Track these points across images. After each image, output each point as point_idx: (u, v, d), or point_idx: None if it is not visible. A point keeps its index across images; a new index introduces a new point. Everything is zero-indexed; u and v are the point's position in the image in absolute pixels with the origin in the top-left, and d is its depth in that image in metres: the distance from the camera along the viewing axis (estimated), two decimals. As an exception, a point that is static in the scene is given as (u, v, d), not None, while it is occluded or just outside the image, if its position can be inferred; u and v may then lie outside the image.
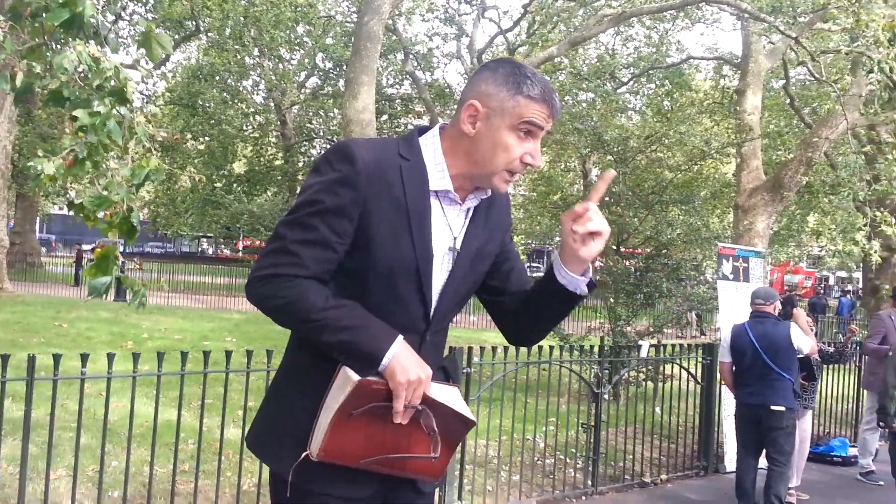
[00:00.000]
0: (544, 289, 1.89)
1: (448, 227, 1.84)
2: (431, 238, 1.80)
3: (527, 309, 1.96)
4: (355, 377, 1.68)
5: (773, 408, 5.62)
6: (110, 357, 3.99)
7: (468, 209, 1.88)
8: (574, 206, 1.77)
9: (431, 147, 1.83)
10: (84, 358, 3.85)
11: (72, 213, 4.01)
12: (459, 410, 1.79)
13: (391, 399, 1.70)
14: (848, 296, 29.79)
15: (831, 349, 7.11)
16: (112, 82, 3.83)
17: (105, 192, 3.89)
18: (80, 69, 3.67)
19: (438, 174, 1.81)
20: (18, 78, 3.93)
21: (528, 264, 41.23)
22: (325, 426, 1.70)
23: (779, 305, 6.05)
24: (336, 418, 1.69)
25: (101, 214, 3.95)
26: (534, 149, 1.78)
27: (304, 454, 1.74)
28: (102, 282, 3.88)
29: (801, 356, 5.94)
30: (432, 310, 1.84)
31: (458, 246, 1.85)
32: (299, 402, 1.80)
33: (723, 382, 6.55)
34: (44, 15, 3.77)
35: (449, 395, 1.81)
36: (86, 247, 31.35)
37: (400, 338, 1.74)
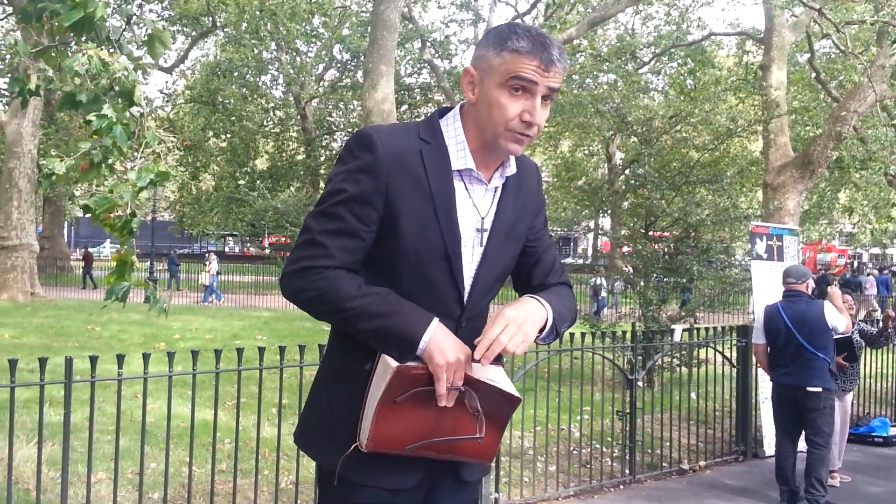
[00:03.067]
0: None
1: (474, 208, 1.81)
2: (458, 220, 1.77)
3: None
4: (394, 364, 1.66)
5: (809, 389, 5.52)
6: (146, 357, 3.99)
7: (496, 188, 1.85)
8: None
9: (453, 126, 1.82)
10: (120, 359, 3.85)
11: (87, 215, 4.02)
12: (504, 388, 1.76)
13: (433, 383, 1.69)
14: (884, 272, 29.11)
15: (874, 330, 6.96)
16: (119, 83, 3.82)
17: (110, 195, 3.88)
18: (91, 72, 3.66)
19: (460, 153, 1.79)
20: (32, 81, 3.94)
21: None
22: (371, 416, 1.69)
23: (811, 284, 5.93)
24: (380, 406, 1.67)
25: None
26: (531, 106, 1.71)
27: (353, 446, 1.73)
28: (121, 287, 3.89)
29: (840, 336, 5.82)
30: (466, 293, 1.81)
31: (486, 226, 1.82)
32: (342, 395, 1.80)
33: (758, 365, 6.45)
34: (55, 18, 3.77)
35: (492, 374, 1.79)
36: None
37: (436, 320, 1.72)
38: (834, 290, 6.44)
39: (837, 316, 5.68)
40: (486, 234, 1.82)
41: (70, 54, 4.12)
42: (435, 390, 1.69)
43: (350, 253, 1.73)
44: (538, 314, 1.77)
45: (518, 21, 24.83)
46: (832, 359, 5.66)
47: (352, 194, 1.71)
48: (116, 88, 3.82)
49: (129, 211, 3.81)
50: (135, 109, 3.81)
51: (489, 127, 1.75)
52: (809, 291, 5.83)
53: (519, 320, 1.71)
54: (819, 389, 5.51)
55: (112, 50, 3.85)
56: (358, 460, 1.74)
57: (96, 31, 3.70)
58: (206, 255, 26.82)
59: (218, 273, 23.09)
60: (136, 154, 4.04)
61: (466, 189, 1.81)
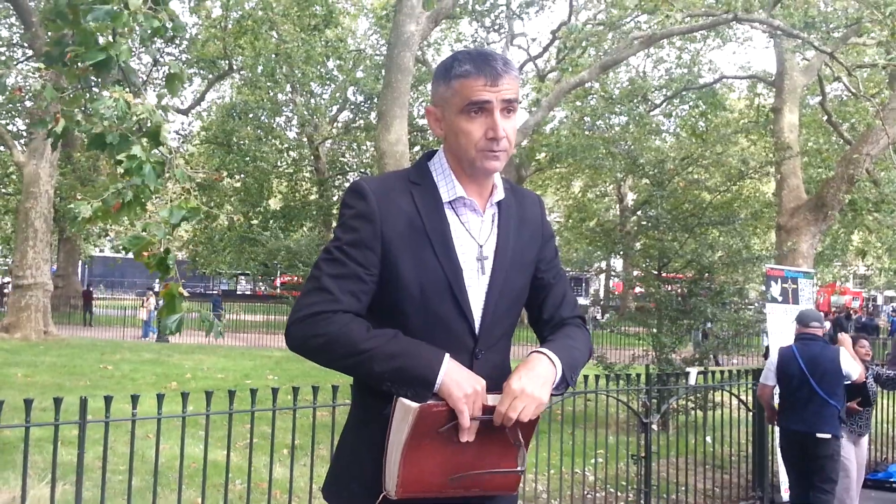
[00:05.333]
0: None
1: (471, 237, 1.83)
2: (455, 251, 1.79)
3: None
4: (414, 405, 1.65)
5: (818, 436, 5.42)
6: (160, 398, 3.99)
7: (492, 215, 1.88)
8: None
9: (439, 164, 1.88)
10: (134, 400, 3.86)
11: (116, 254, 4.10)
12: None
13: (454, 418, 1.67)
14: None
15: (890, 373, 6.87)
16: (147, 124, 3.91)
17: (143, 234, 3.95)
18: (116, 114, 3.74)
19: (449, 185, 1.84)
20: (60, 124, 4.02)
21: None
22: (398, 461, 1.66)
23: (826, 328, 5.86)
24: (406, 450, 1.65)
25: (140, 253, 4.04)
26: (492, 122, 1.76)
27: (381, 496, 1.70)
28: (173, 319, 3.96)
29: (851, 382, 5.73)
30: (477, 325, 1.81)
31: (486, 254, 1.84)
32: (364, 443, 1.79)
33: (762, 406, 6.34)
34: (78, 59, 3.86)
35: None
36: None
37: (447, 355, 1.71)
38: (844, 336, 6.35)
39: (852, 363, 5.61)
40: (487, 262, 1.84)
41: (93, 96, 4.20)
42: (459, 426, 1.67)
43: (356, 297, 1.74)
44: (545, 374, 1.74)
45: (535, 71, 25.13)
46: (842, 406, 5.58)
47: (350, 240, 1.76)
48: (143, 129, 3.90)
49: (162, 248, 3.87)
50: (163, 149, 3.88)
51: (462, 154, 1.80)
52: (823, 335, 5.77)
53: (527, 390, 1.69)
54: (828, 436, 5.41)
55: (134, 90, 3.94)
56: None
57: (124, 72, 3.78)
58: (146, 292, 27.65)
59: (155, 309, 23.77)
60: (162, 191, 4.12)
61: (460, 220, 1.83)
